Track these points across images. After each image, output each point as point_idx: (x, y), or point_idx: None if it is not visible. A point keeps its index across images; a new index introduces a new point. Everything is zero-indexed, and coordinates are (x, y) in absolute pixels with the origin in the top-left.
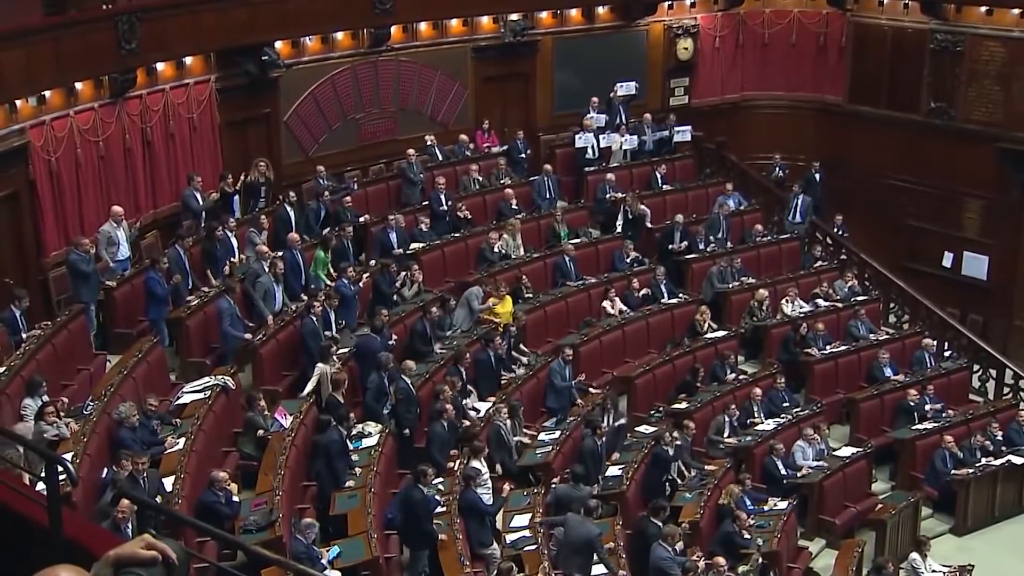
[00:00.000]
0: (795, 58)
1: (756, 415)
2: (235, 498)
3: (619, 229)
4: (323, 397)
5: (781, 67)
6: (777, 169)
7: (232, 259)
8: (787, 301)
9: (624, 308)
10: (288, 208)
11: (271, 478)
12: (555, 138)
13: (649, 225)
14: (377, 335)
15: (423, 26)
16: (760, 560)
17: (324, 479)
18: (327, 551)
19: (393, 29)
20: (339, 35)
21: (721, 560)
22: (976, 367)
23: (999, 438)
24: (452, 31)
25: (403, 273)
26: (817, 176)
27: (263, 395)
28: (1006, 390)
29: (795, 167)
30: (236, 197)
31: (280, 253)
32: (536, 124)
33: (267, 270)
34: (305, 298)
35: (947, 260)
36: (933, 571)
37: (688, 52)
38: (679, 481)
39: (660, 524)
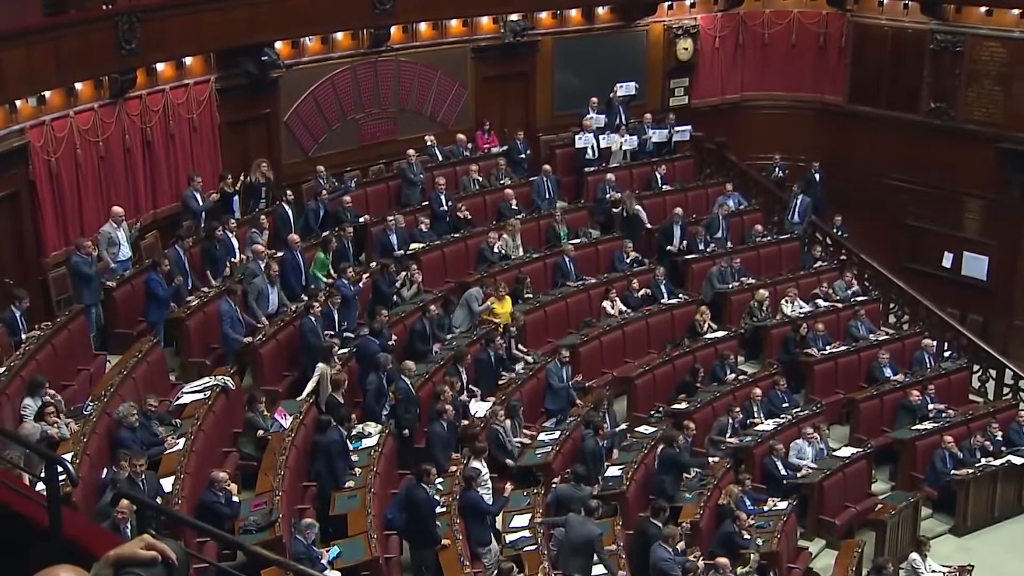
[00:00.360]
0: (795, 58)
1: (756, 415)
2: (235, 498)
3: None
4: (323, 397)
5: (781, 67)
6: (777, 169)
7: (232, 259)
8: (787, 301)
9: (624, 308)
10: (286, 208)
11: (271, 478)
12: (555, 138)
13: (648, 225)
14: (375, 338)
15: (423, 26)
16: (758, 560)
17: (324, 479)
18: (327, 551)
19: (393, 29)
20: (339, 35)
21: (725, 560)
22: (976, 367)
23: (999, 438)
24: (452, 31)
25: (403, 273)
26: (817, 176)
27: (263, 395)
28: (1006, 390)
29: (795, 167)
30: (236, 197)
31: (280, 253)
32: (536, 124)
33: (263, 270)
34: (305, 298)
35: (947, 260)
36: (933, 571)
37: (688, 52)
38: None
39: (660, 525)
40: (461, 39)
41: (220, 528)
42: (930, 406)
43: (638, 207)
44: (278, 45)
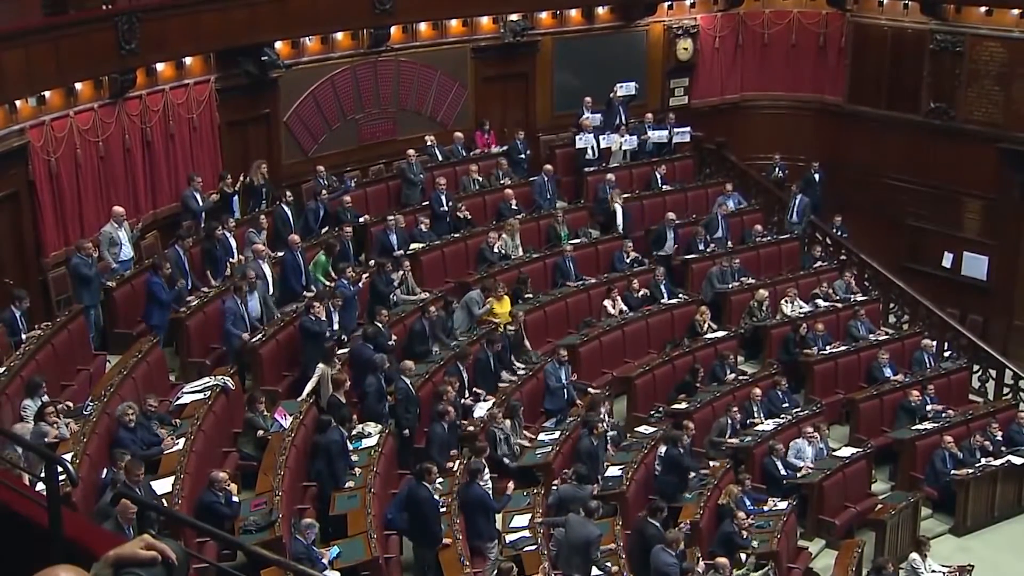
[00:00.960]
0: (795, 58)
1: (756, 415)
2: (235, 498)
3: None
4: (324, 397)
5: (781, 67)
6: (777, 169)
7: (231, 260)
8: (787, 301)
9: (624, 308)
10: (286, 208)
11: (271, 478)
12: (555, 138)
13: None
14: (369, 342)
15: (423, 26)
16: (754, 560)
17: (324, 479)
18: (327, 551)
19: (393, 29)
20: (339, 35)
21: (724, 560)
22: (976, 367)
23: (999, 438)
24: (452, 31)
25: (399, 273)
26: (817, 176)
27: (263, 395)
28: (1006, 390)
29: (795, 167)
30: (235, 197)
31: (280, 254)
32: (536, 124)
33: (259, 271)
34: (307, 296)
35: (947, 260)
36: (933, 571)
37: (688, 52)
38: None
39: (659, 525)
40: (461, 39)
41: (220, 528)
42: (928, 407)
43: (616, 204)
44: (278, 45)
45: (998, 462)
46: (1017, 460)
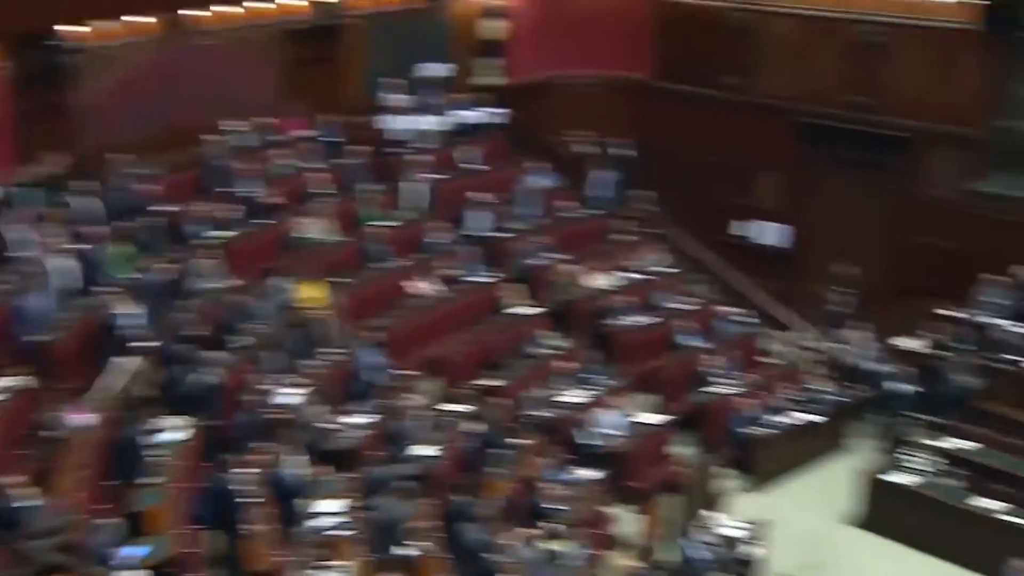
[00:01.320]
0: (603, 37)
1: (564, 388)
2: (29, 503)
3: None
4: (126, 392)
5: (589, 46)
6: (586, 146)
7: (25, 255)
8: (595, 275)
9: (435, 289)
10: (86, 199)
11: (69, 479)
12: (364, 120)
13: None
14: (175, 334)
15: (233, 8)
16: (563, 529)
17: (126, 477)
18: (129, 550)
19: (201, 11)
20: (144, 18)
21: (532, 531)
22: (773, 331)
23: (793, 398)
24: (262, 13)
25: (205, 261)
26: (625, 152)
27: (61, 394)
28: (800, 352)
29: (604, 144)
30: (31, 189)
31: (79, 246)
32: (346, 106)
33: (56, 266)
34: (105, 291)
35: (746, 230)
36: (732, 527)
37: (498, 31)
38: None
39: (467, 501)
40: (272, 20)
41: (15, 534)
42: (729, 371)
43: (414, 184)
44: (78, 29)
45: (792, 421)
46: (809, 418)
